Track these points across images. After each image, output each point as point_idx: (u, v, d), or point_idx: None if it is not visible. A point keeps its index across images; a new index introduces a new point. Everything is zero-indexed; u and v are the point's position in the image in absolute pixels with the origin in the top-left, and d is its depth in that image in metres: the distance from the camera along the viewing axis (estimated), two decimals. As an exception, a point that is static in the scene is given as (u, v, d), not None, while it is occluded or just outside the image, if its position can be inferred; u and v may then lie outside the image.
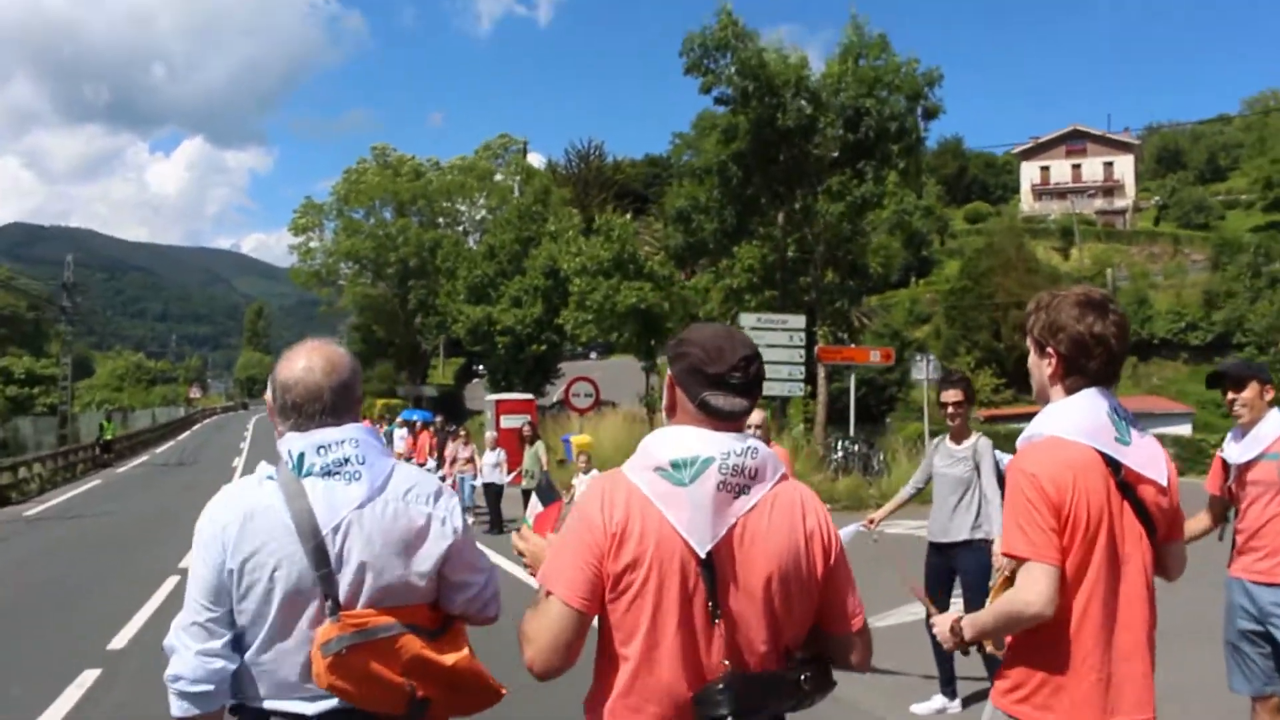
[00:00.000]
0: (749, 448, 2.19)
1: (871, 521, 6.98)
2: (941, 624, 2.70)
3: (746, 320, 21.33)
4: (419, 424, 25.01)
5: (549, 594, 2.14)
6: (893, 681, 6.96)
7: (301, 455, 2.34)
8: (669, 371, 2.32)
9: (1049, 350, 2.59)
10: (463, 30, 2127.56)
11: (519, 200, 47.35)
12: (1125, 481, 2.49)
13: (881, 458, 22.10)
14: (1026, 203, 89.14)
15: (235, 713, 2.36)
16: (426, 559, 2.37)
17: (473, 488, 17.94)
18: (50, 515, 20.24)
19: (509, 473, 16.80)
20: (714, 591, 2.11)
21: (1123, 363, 2.60)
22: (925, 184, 30.05)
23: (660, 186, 61.16)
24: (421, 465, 22.00)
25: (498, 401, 26.74)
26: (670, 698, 2.11)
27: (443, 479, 19.49)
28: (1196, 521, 4.98)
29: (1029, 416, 2.79)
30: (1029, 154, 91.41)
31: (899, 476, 20.54)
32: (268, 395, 2.50)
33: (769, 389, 18.94)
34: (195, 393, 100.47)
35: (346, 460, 2.35)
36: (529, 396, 29.42)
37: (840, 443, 22.22)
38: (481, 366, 49.95)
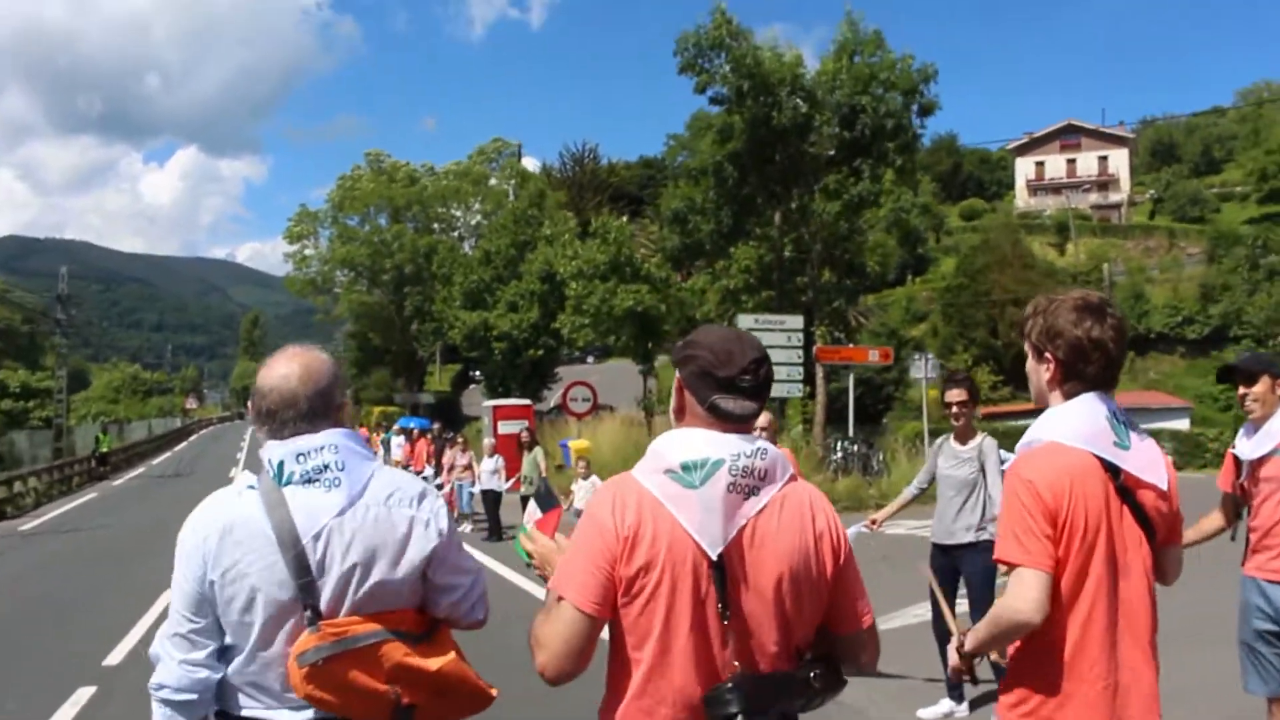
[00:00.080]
0: (758, 449, 2.19)
1: (874, 522, 6.91)
2: (951, 652, 2.66)
3: (744, 321, 21.25)
4: (416, 431, 24.89)
5: (560, 599, 2.12)
6: (898, 686, 6.87)
7: (281, 463, 2.32)
8: (677, 374, 2.31)
9: (1047, 355, 2.57)
10: (455, 35, 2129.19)
11: (514, 204, 47.36)
12: (1125, 486, 2.47)
13: (881, 458, 22.04)
14: (1022, 199, 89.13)
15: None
16: (409, 563, 2.34)
17: (471, 494, 17.87)
18: (46, 529, 20.12)
19: (507, 479, 16.70)
20: (725, 593, 2.11)
21: (1121, 367, 2.58)
22: (920, 181, 30.00)
23: (655, 188, 61.12)
24: (419, 473, 21.90)
25: (495, 407, 26.62)
26: (682, 699, 2.11)
27: (440, 486, 19.48)
28: (1210, 521, 4.89)
29: (1026, 414, 2.76)
30: (1023, 149, 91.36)
31: (899, 476, 20.47)
32: (250, 403, 2.52)
33: (768, 390, 18.85)
34: (191, 403, 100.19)
35: (326, 467, 2.32)
36: (526, 402, 29.35)
37: (839, 443, 22.15)
38: (478, 372, 49.91)
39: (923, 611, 8.65)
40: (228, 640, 2.30)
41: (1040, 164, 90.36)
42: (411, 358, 57.49)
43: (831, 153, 24.91)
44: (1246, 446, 4.58)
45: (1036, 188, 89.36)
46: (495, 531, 16.14)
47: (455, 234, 56.92)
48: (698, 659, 2.11)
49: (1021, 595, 2.37)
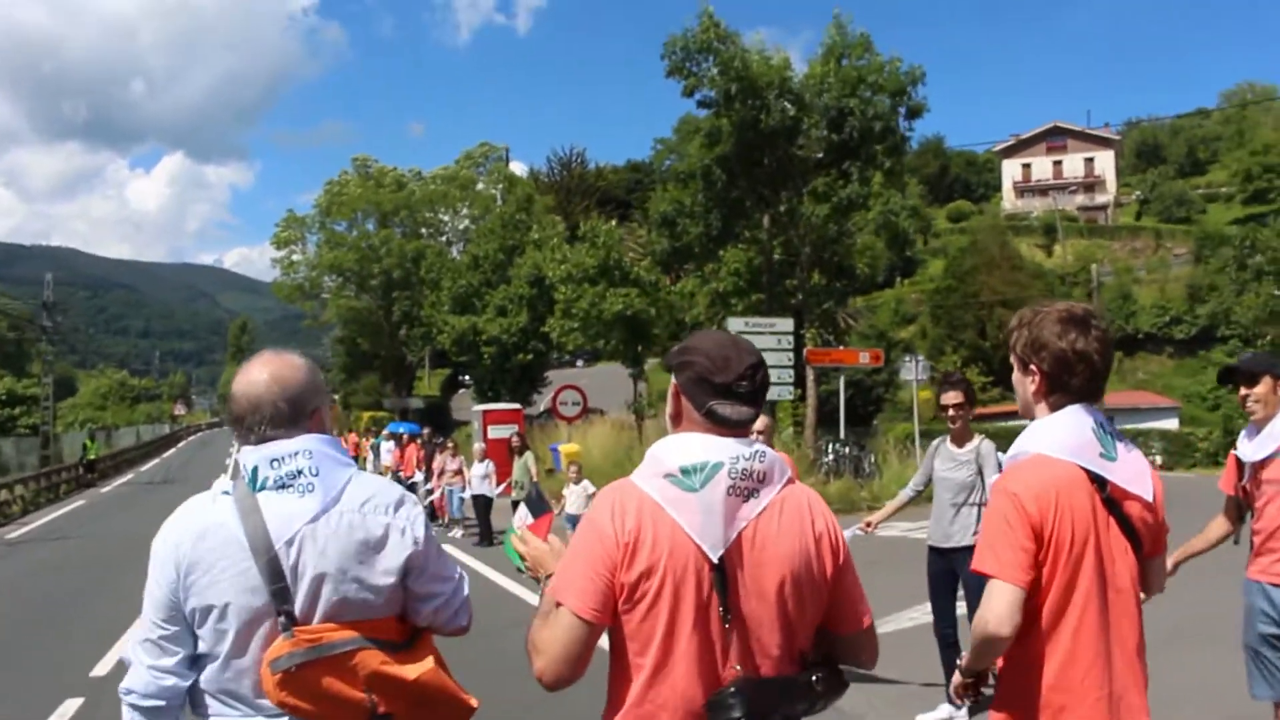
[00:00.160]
0: (757, 451, 2.21)
1: (869, 524, 6.87)
2: (956, 674, 2.65)
3: (734, 324, 21.19)
4: (406, 436, 24.83)
5: (559, 605, 2.12)
6: (897, 691, 6.82)
7: (255, 469, 2.31)
8: (674, 380, 2.32)
9: (1032, 367, 2.58)
10: (442, 40, 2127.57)
11: (502, 209, 47.22)
12: (1111, 497, 2.47)
13: (872, 460, 22.05)
14: (1009, 200, 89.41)
15: None
16: (385, 570, 2.31)
17: (461, 500, 17.80)
18: (33, 537, 20.00)
19: (498, 484, 16.63)
20: (726, 596, 2.12)
21: (1106, 378, 2.59)
22: (907, 184, 30.01)
23: (643, 192, 61.02)
24: (409, 478, 21.86)
25: (485, 412, 26.58)
26: (684, 704, 2.11)
27: (430, 491, 19.40)
28: (1214, 528, 4.84)
29: (1015, 415, 2.74)
30: (1010, 151, 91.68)
31: (890, 478, 20.48)
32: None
33: (759, 393, 18.82)
34: (180, 409, 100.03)
35: (299, 472, 2.31)
36: (516, 406, 29.30)
37: (831, 445, 22.13)
38: (468, 377, 49.75)
39: (919, 615, 8.62)
40: (201, 648, 2.28)
41: (1027, 166, 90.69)
42: (400, 363, 57.29)
43: (820, 155, 24.87)
44: (1248, 448, 4.54)
45: (1023, 189, 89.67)
46: (486, 537, 16.06)
47: (443, 239, 56.74)
48: (700, 663, 2.11)
49: (990, 608, 2.38)
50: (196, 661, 2.31)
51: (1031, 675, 2.43)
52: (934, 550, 6.45)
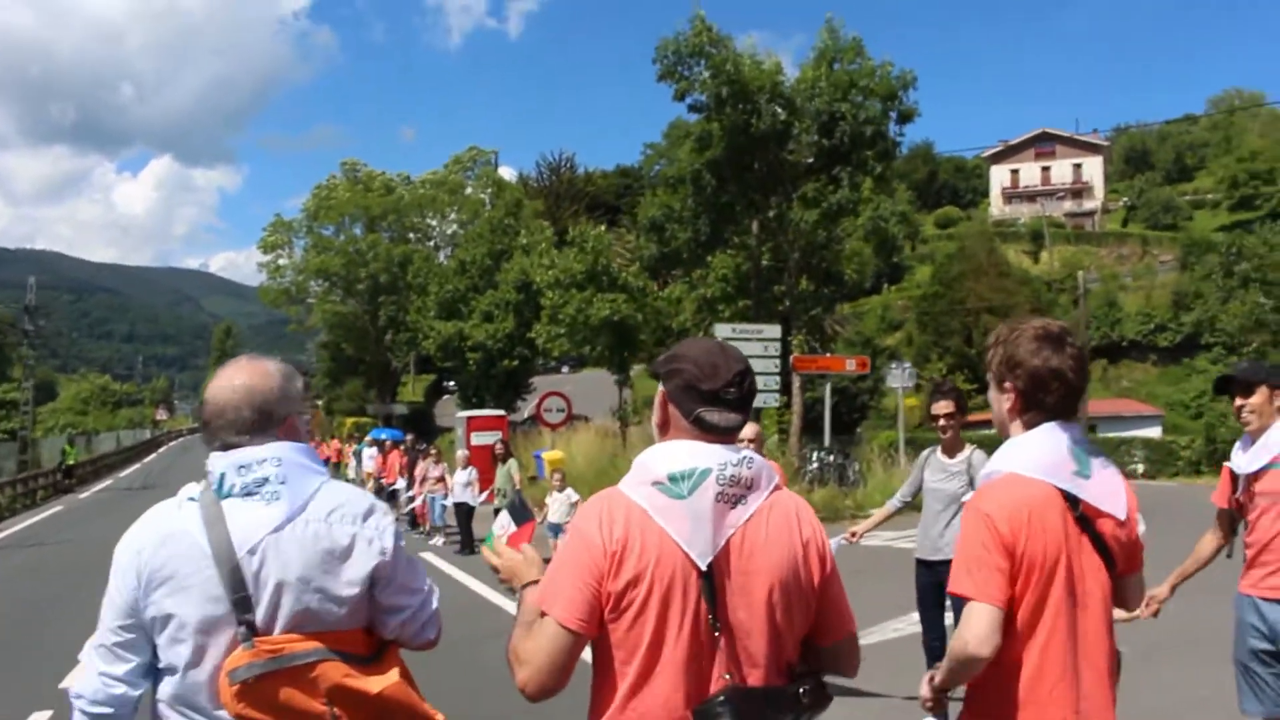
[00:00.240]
0: (744, 458, 2.20)
1: (854, 535, 6.72)
2: (924, 685, 2.63)
3: (722, 331, 21.10)
4: (389, 443, 24.62)
5: (543, 614, 2.11)
6: (881, 704, 6.68)
7: (223, 475, 2.28)
8: (660, 388, 2.31)
9: (1007, 385, 2.59)
10: (433, 44, 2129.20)
11: (490, 213, 47.12)
12: (1084, 516, 2.47)
13: (857, 468, 21.94)
14: (996, 206, 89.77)
15: None
16: (350, 581, 2.27)
17: (443, 507, 17.64)
18: (9, 543, 19.74)
19: (481, 491, 16.46)
20: (714, 603, 2.11)
21: (1081, 396, 2.61)
22: (896, 189, 30.02)
23: (632, 197, 61.10)
24: (391, 485, 21.68)
25: (468, 418, 26.37)
26: (668, 713, 2.09)
27: (412, 498, 19.23)
28: (1205, 544, 4.74)
29: None
30: (998, 157, 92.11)
31: (875, 487, 20.38)
32: None
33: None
34: (162, 414, 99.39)
35: (266, 480, 2.27)
36: (500, 413, 29.08)
37: (816, 453, 22.02)
38: (452, 383, 49.59)
39: (903, 626, 8.51)
40: (160, 658, 2.25)
41: (1015, 172, 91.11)
42: (385, 368, 57.10)
43: (810, 160, 24.83)
44: (1243, 460, 4.44)
45: (1011, 195, 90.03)
46: (467, 545, 15.88)
47: (431, 243, 56.64)
48: (685, 672, 2.09)
49: (969, 629, 2.37)
50: (150, 671, 2.27)
51: (1000, 689, 2.43)
52: (922, 563, 6.32)
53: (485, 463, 17.67)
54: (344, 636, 2.25)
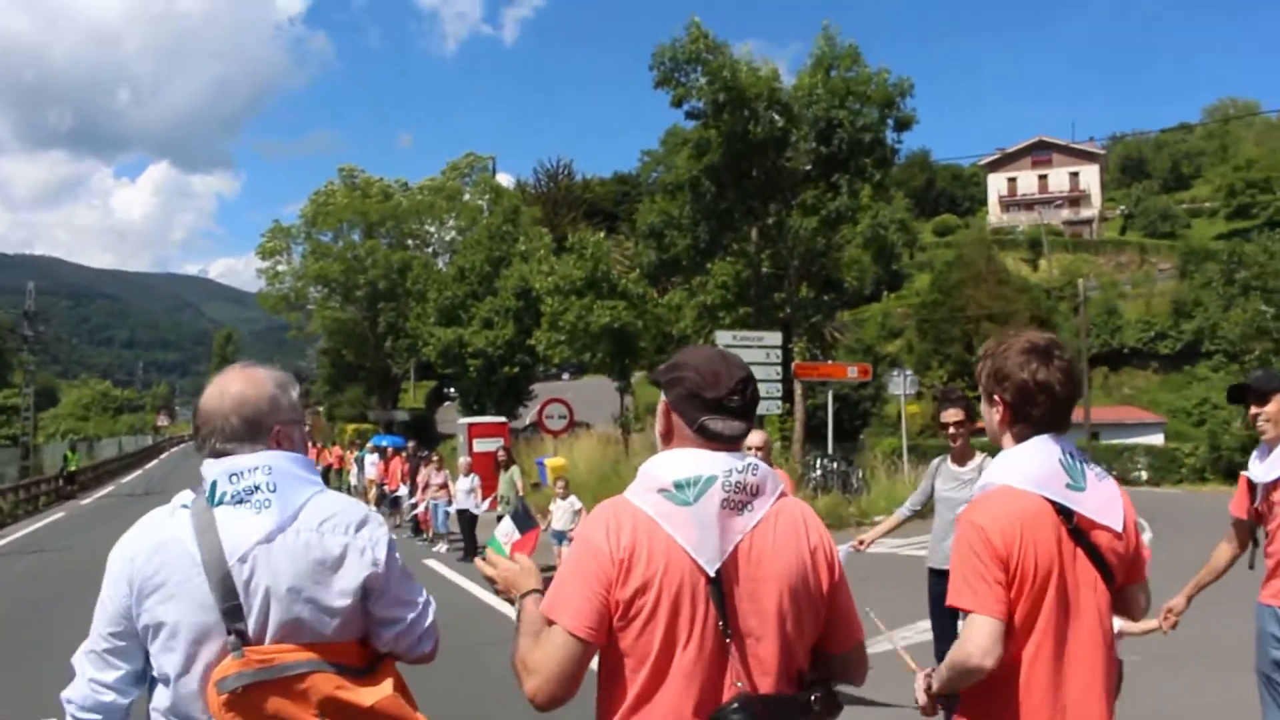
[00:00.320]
0: (749, 464, 2.20)
1: (862, 542, 6.70)
2: (919, 688, 2.67)
3: (722, 338, 21.11)
4: (390, 449, 24.60)
5: (551, 623, 2.11)
6: (891, 714, 6.67)
7: (214, 483, 2.27)
8: (663, 397, 2.31)
9: (996, 398, 2.61)
10: (429, 51, 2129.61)
11: (489, 220, 47.13)
12: (1078, 528, 2.48)
13: (860, 475, 21.93)
14: (994, 214, 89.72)
15: None
16: (342, 591, 2.25)
17: (446, 514, 17.62)
18: (10, 550, 19.71)
19: (483, 498, 16.45)
20: (724, 610, 2.10)
21: (1071, 408, 2.61)
22: (894, 197, 30.07)
23: (630, 204, 61.02)
24: (394, 491, 21.66)
25: (470, 425, 26.36)
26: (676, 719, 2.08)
27: (415, 505, 19.21)
28: (1220, 555, 4.70)
29: None
30: (995, 165, 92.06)
31: (879, 494, 20.39)
32: None
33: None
34: (163, 420, 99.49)
35: (257, 488, 2.26)
36: (502, 419, 29.09)
37: (819, 461, 22.02)
38: (453, 389, 49.57)
39: (911, 634, 8.49)
40: (154, 668, 2.24)
41: (1012, 180, 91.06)
42: (386, 374, 57.08)
43: (809, 167, 24.88)
44: (1260, 469, 4.40)
45: (1009, 203, 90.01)
46: (471, 552, 15.86)
47: (429, 250, 56.62)
48: (696, 679, 2.09)
49: (973, 640, 2.39)
50: (141, 679, 2.28)
51: (991, 697, 2.45)
52: (934, 572, 6.28)
53: (487, 469, 17.66)
54: (337, 648, 2.24)
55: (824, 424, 23.29)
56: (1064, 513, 2.46)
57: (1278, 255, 41.17)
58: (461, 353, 39.62)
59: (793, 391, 23.97)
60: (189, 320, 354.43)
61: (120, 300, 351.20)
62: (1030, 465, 2.50)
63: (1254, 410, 4.37)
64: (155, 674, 2.24)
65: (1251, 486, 4.50)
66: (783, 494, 2.25)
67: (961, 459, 6.20)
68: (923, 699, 2.62)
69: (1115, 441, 42.29)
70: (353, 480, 27.02)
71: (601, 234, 32.81)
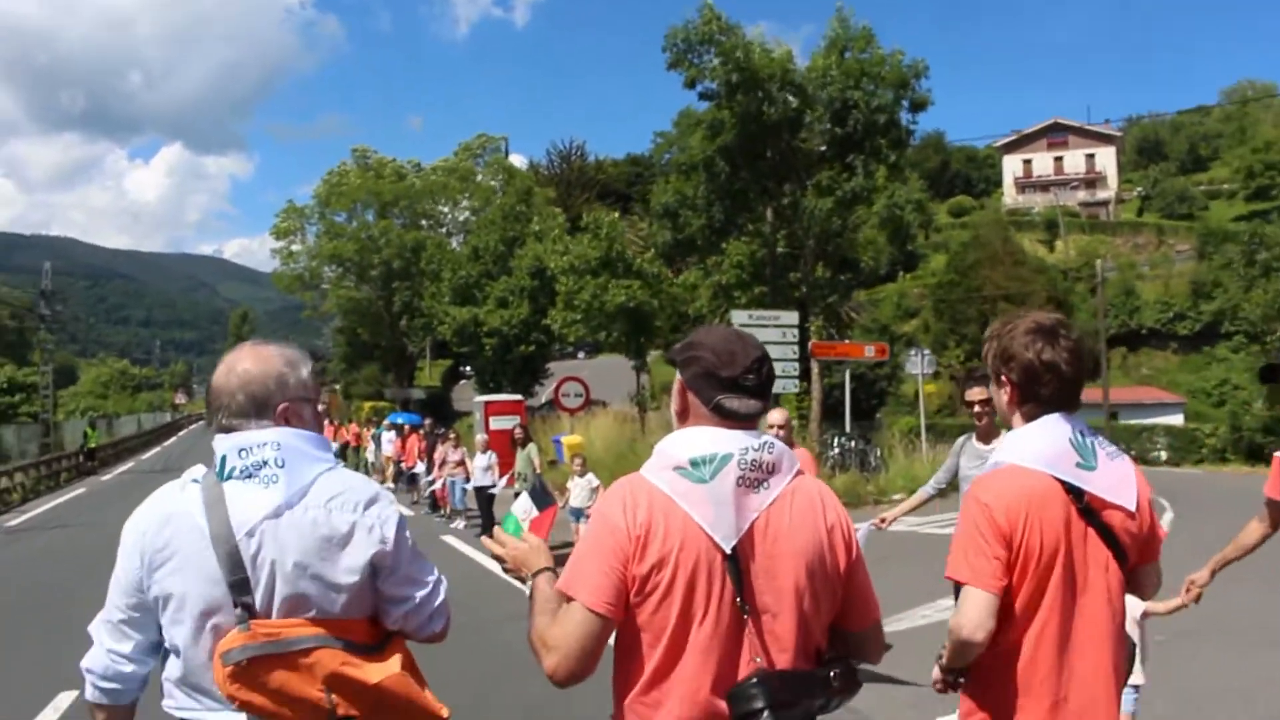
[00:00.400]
0: (765, 443, 2.22)
1: (883, 520, 6.70)
2: (935, 667, 2.68)
3: (738, 317, 21.09)
4: (407, 427, 24.70)
5: (570, 600, 2.12)
6: (911, 693, 6.67)
7: (224, 458, 2.29)
8: (679, 376, 2.33)
9: (1003, 378, 2.63)
10: (440, 34, 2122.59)
11: (502, 200, 47.11)
12: (1089, 508, 2.48)
13: (878, 453, 21.93)
14: (1009, 196, 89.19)
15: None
16: (348, 569, 2.26)
17: (464, 491, 17.69)
18: (33, 525, 19.92)
19: (500, 475, 16.49)
20: (741, 586, 2.11)
21: (1079, 387, 2.61)
22: (909, 178, 29.93)
23: (643, 185, 60.88)
24: (411, 468, 21.76)
25: (486, 403, 26.41)
26: (692, 695, 2.09)
27: (432, 482, 19.30)
28: (1249, 533, 4.65)
29: None
30: (1011, 147, 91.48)
31: (897, 472, 20.39)
32: None
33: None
34: (181, 398, 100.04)
35: (265, 463, 2.27)
36: (518, 397, 29.11)
37: (836, 439, 22.01)
38: (469, 368, 49.66)
39: (930, 612, 8.52)
40: (165, 639, 2.28)
41: (1028, 161, 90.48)
42: (401, 353, 57.20)
43: (823, 148, 24.78)
44: None
45: (1024, 185, 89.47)
46: (488, 529, 15.91)
47: (443, 230, 56.64)
48: (712, 654, 2.10)
49: (964, 613, 2.42)
50: (157, 649, 2.32)
51: (997, 674, 2.47)
52: (957, 550, 6.30)
53: (504, 447, 17.71)
54: (345, 624, 2.25)
55: (841, 403, 23.27)
56: (1074, 492, 2.46)
57: (1299, 236, 40.94)
58: (477, 331, 39.70)
59: (809, 371, 23.94)
60: (205, 300, 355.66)
61: (136, 280, 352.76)
62: (1040, 444, 2.51)
63: None
64: (167, 645, 2.28)
65: None
66: (799, 472, 2.26)
67: (986, 437, 6.16)
68: (936, 672, 2.63)
69: (1134, 421, 42.17)
70: (370, 457, 27.16)
71: (616, 214, 32.75)
